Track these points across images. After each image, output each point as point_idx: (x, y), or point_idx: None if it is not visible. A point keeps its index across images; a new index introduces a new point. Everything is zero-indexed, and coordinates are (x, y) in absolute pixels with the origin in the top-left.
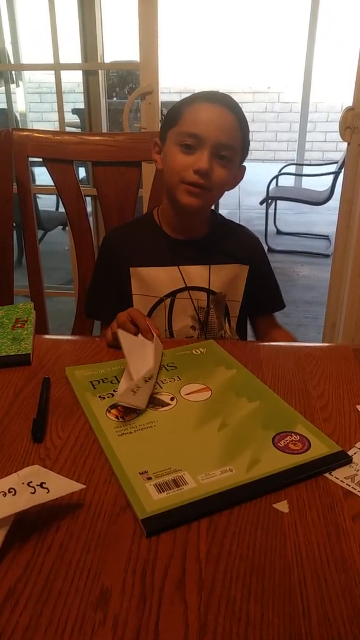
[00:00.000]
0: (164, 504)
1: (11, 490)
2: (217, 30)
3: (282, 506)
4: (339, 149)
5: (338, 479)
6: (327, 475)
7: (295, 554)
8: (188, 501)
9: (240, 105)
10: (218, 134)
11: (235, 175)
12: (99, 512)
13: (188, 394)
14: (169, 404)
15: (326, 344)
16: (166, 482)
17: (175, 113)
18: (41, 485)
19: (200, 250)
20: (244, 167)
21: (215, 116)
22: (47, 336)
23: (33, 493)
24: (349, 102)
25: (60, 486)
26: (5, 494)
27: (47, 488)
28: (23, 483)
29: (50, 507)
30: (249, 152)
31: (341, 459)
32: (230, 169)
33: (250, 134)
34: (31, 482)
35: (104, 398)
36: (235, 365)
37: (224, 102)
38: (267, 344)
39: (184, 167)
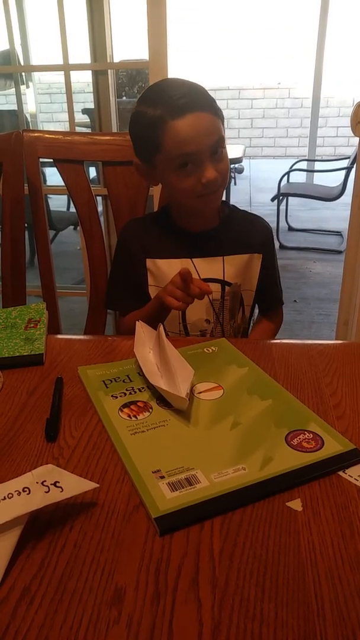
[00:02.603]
0: (177, 503)
1: (25, 489)
2: (226, 27)
3: (296, 504)
4: (350, 144)
5: (352, 477)
6: (340, 473)
7: (309, 553)
8: (201, 500)
9: (190, 80)
10: (206, 141)
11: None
12: (112, 511)
13: (200, 392)
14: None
15: (339, 342)
16: (179, 481)
17: (149, 140)
18: (55, 484)
19: (214, 242)
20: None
21: (194, 128)
22: (59, 336)
23: (47, 492)
24: (359, 96)
25: (74, 485)
26: (19, 493)
27: (60, 487)
28: (37, 482)
29: (64, 506)
30: (260, 149)
31: (355, 457)
32: (226, 151)
33: (261, 130)
34: (45, 481)
35: (117, 397)
36: (247, 364)
37: (191, 106)
38: (278, 341)
39: (191, 187)
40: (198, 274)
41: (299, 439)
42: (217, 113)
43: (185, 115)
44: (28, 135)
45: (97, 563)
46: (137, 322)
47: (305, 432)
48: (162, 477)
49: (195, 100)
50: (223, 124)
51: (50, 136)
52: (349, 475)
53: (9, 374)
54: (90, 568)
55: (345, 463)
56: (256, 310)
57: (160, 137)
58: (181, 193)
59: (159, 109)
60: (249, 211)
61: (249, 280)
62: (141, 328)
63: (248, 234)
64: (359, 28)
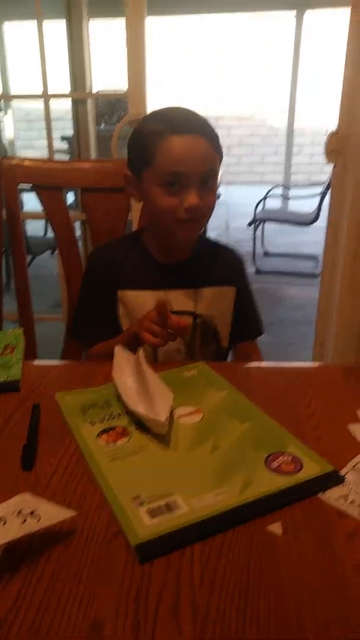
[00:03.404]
0: (156, 529)
1: (1, 519)
2: (203, 58)
3: (276, 528)
4: (324, 171)
5: (331, 498)
6: (320, 495)
7: (290, 577)
8: (181, 525)
9: (205, 119)
10: (199, 165)
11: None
12: (90, 539)
13: (180, 416)
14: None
15: (316, 364)
16: (159, 507)
17: (144, 151)
18: (32, 513)
19: (186, 274)
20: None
21: (191, 149)
22: (36, 362)
23: (24, 522)
24: (331, 126)
25: (52, 514)
26: None
27: (38, 516)
28: (13, 512)
29: (41, 535)
30: (237, 175)
31: (334, 479)
32: (215, 186)
33: (237, 157)
34: (21, 510)
35: (95, 423)
36: (226, 387)
37: (193, 128)
38: (257, 365)
39: (173, 207)
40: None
41: (278, 461)
42: (216, 147)
43: (185, 134)
44: (7, 163)
45: (75, 593)
46: (115, 346)
47: (285, 455)
48: (142, 504)
49: (199, 126)
50: (220, 162)
51: (29, 163)
52: (328, 497)
53: None
54: (68, 598)
55: (325, 485)
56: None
57: (155, 149)
58: (161, 212)
59: (162, 124)
60: (221, 241)
61: (224, 313)
62: (120, 353)
63: (220, 265)
64: (331, 61)
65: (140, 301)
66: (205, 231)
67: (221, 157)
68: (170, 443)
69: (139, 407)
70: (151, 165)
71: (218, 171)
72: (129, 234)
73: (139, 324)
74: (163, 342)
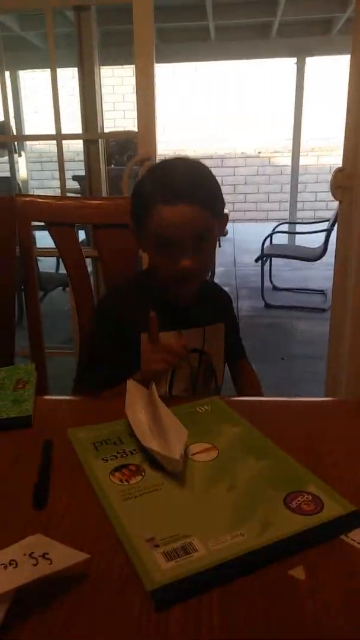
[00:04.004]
0: (173, 574)
1: (12, 562)
2: (209, 101)
3: (298, 572)
4: (329, 207)
5: (355, 541)
6: (343, 537)
7: (314, 625)
8: (198, 570)
9: (203, 168)
10: (189, 230)
11: (220, 228)
12: (104, 584)
13: (194, 454)
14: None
15: (331, 399)
16: (174, 550)
17: (139, 213)
18: (44, 556)
19: (195, 313)
20: (226, 215)
21: (179, 218)
22: (48, 397)
23: (35, 565)
24: (335, 164)
25: (64, 556)
26: (6, 567)
27: (50, 559)
28: (25, 554)
29: (53, 579)
30: (243, 213)
31: (356, 520)
32: (212, 243)
33: (244, 195)
34: (33, 552)
35: (107, 460)
36: (240, 422)
37: (183, 196)
38: (270, 399)
39: (165, 267)
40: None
41: (298, 501)
42: (210, 207)
43: (174, 204)
44: (21, 200)
45: None
46: (128, 381)
47: (304, 494)
48: (157, 546)
49: (191, 192)
50: (218, 218)
51: (43, 200)
52: (351, 539)
53: None
54: None
55: (347, 526)
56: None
57: (147, 214)
58: (158, 269)
59: (157, 187)
60: (235, 274)
61: (219, 350)
62: (133, 387)
63: (216, 304)
64: (333, 102)
65: (168, 342)
66: (212, 274)
67: (218, 212)
68: (185, 482)
69: (153, 444)
70: (143, 227)
71: (215, 225)
72: (137, 275)
73: (139, 371)
74: (167, 365)
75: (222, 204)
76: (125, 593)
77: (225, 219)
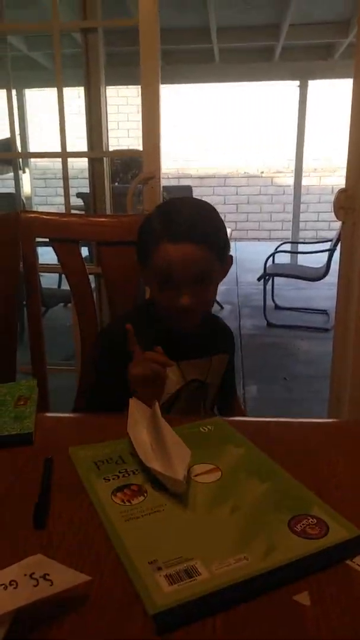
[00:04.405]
0: (175, 597)
1: (12, 582)
2: (213, 120)
3: (303, 598)
4: (331, 227)
5: None
6: (348, 562)
7: None
8: (201, 594)
9: (211, 209)
10: (191, 269)
11: (224, 270)
12: (106, 607)
13: (197, 475)
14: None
15: (334, 420)
16: (177, 573)
17: (143, 249)
18: (44, 577)
19: (199, 343)
20: (231, 257)
21: (182, 256)
22: (49, 414)
23: (36, 586)
24: (337, 184)
25: (65, 578)
26: (6, 587)
27: (50, 580)
28: (25, 575)
29: (53, 601)
30: (246, 232)
31: None
32: (214, 283)
33: (246, 215)
34: (34, 573)
35: (109, 480)
36: (244, 443)
37: (187, 237)
38: (274, 419)
39: (167, 302)
40: (184, 377)
41: (303, 524)
42: (214, 249)
43: (177, 243)
44: (25, 216)
45: None
46: (130, 400)
47: (309, 517)
48: (160, 569)
49: (194, 232)
50: (222, 260)
51: (47, 217)
52: (357, 564)
53: None
54: None
55: (353, 551)
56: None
57: (150, 251)
58: (159, 303)
59: (162, 225)
60: (237, 293)
61: (218, 380)
62: (135, 406)
63: (220, 335)
64: (335, 124)
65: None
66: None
67: (221, 250)
68: (188, 503)
69: (155, 464)
70: (146, 264)
71: (217, 267)
72: (138, 306)
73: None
74: (149, 370)
75: (227, 245)
76: (126, 616)
77: (229, 261)
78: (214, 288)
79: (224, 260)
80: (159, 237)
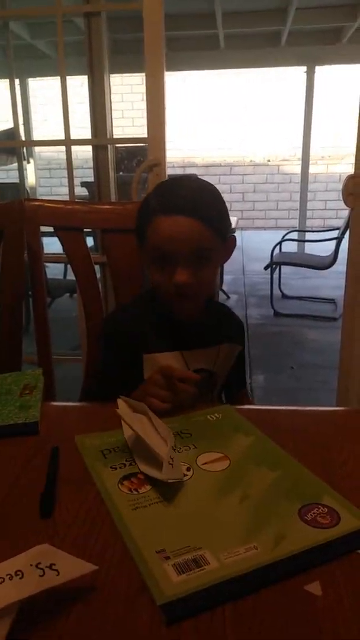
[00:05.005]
0: (184, 587)
1: (18, 572)
2: (218, 107)
3: (315, 588)
4: (339, 216)
5: None
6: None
7: None
8: (210, 583)
9: (211, 186)
10: (186, 244)
11: (225, 252)
12: (113, 596)
13: (205, 463)
14: (185, 475)
15: (344, 408)
16: (186, 562)
17: (139, 228)
18: (50, 566)
19: (205, 332)
20: (233, 237)
21: (176, 229)
22: (55, 403)
23: (42, 576)
24: (345, 172)
25: (71, 568)
26: (11, 577)
27: (57, 570)
28: (31, 564)
29: (59, 591)
30: (252, 221)
31: None
32: (213, 263)
33: (252, 203)
34: (40, 563)
35: (116, 468)
36: (253, 431)
37: (182, 210)
38: (283, 408)
39: (164, 282)
40: (188, 366)
41: (313, 513)
42: (211, 225)
43: (172, 215)
44: (29, 204)
45: None
46: (118, 400)
47: (320, 506)
48: (167, 558)
49: (191, 206)
50: (221, 239)
51: (52, 205)
52: None
53: (1, 443)
54: None
55: None
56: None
57: (146, 228)
58: (156, 285)
59: (158, 200)
60: (244, 282)
61: (227, 370)
62: (123, 406)
63: (231, 324)
64: (342, 111)
65: (168, 363)
66: (222, 276)
67: (221, 231)
68: (195, 492)
69: (146, 468)
70: (143, 242)
71: (216, 244)
72: (143, 295)
73: (143, 389)
74: (169, 406)
75: (228, 224)
76: (134, 606)
77: (231, 241)
78: (214, 269)
79: (224, 239)
80: (154, 212)
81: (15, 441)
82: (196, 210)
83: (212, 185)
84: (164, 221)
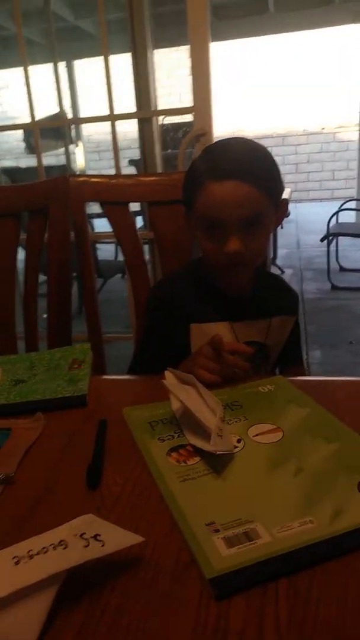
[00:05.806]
0: (234, 561)
1: (62, 542)
2: (269, 75)
3: None
4: None
5: None
6: None
7: None
8: (262, 558)
9: (261, 148)
10: (237, 211)
11: (278, 217)
12: (160, 569)
13: (257, 435)
14: (235, 447)
15: None
16: (236, 535)
17: (187, 193)
18: (95, 537)
19: (254, 304)
20: (286, 201)
21: (228, 196)
22: (104, 376)
23: (86, 546)
24: None
25: (117, 539)
26: (55, 547)
27: (102, 541)
28: (75, 535)
29: (105, 562)
30: (307, 192)
31: None
32: (265, 230)
33: (306, 174)
34: (84, 533)
35: (164, 440)
36: (308, 403)
37: (233, 174)
38: (341, 379)
39: (214, 252)
40: (237, 338)
41: None
42: (263, 188)
43: (222, 181)
44: (74, 180)
45: (143, 631)
46: (166, 372)
47: None
48: (217, 531)
49: (242, 169)
50: (274, 202)
51: (96, 180)
52: None
53: (50, 416)
54: (136, 637)
55: None
56: None
57: (194, 193)
58: (206, 254)
59: (206, 164)
60: (299, 256)
61: (280, 342)
62: (171, 378)
63: (283, 296)
64: None
65: (213, 333)
66: (275, 240)
67: (275, 194)
68: (246, 464)
69: (192, 438)
70: (192, 209)
71: (269, 210)
72: (188, 265)
73: (192, 360)
74: (219, 379)
75: (280, 187)
76: (181, 580)
77: (283, 205)
78: (266, 235)
79: (276, 204)
80: (203, 178)
81: (64, 414)
82: (248, 173)
83: (262, 146)
84: (214, 187)
